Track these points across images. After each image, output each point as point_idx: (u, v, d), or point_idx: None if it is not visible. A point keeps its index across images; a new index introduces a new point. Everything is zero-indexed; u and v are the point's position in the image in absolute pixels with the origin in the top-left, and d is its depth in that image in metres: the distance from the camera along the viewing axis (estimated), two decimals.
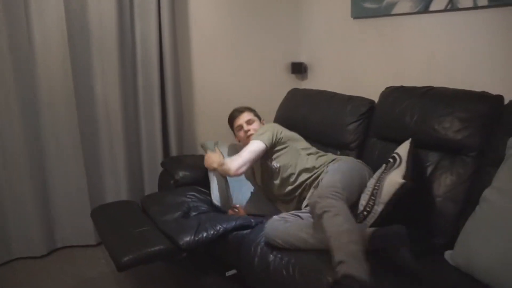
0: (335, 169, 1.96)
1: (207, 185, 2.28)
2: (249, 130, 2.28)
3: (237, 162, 2.07)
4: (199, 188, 2.33)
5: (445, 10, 2.13)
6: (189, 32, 2.81)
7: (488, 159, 1.70)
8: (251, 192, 2.33)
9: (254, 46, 3.02)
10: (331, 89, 2.59)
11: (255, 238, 1.82)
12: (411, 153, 1.71)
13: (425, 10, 2.21)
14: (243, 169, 2.08)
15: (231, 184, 2.28)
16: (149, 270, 2.34)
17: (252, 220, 2.00)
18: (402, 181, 1.60)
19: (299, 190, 2.10)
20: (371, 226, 1.67)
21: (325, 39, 2.93)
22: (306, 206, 2.00)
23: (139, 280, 2.30)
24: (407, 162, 1.67)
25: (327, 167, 2.04)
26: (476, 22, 2.03)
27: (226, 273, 1.97)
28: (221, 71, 2.95)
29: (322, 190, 1.68)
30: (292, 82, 3.15)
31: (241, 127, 2.32)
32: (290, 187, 2.12)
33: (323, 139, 2.38)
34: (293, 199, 2.14)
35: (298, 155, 2.14)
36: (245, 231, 1.93)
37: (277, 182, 2.16)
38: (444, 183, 1.79)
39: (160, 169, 2.63)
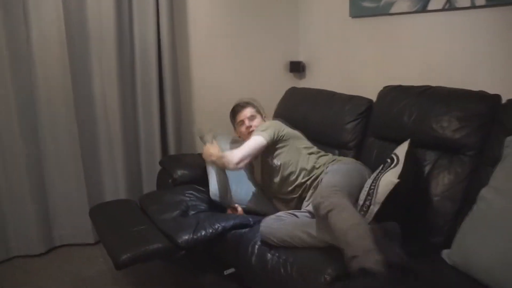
0: (335, 169, 1.96)
1: (205, 184, 2.28)
2: (250, 127, 2.26)
3: (238, 156, 2.05)
4: (198, 186, 2.32)
5: (443, 9, 2.14)
6: (188, 31, 2.81)
7: (486, 158, 1.70)
8: (250, 188, 2.30)
9: (253, 45, 3.02)
10: (329, 88, 2.60)
11: (253, 237, 1.82)
12: (409, 153, 1.72)
13: (423, 9, 2.22)
14: (244, 163, 2.07)
15: (230, 178, 2.26)
16: (147, 269, 2.34)
17: (251, 219, 2.00)
18: (396, 180, 1.60)
19: (300, 191, 2.10)
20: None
21: (324, 38, 2.94)
22: (307, 205, 1.99)
23: (137, 278, 2.30)
24: (405, 162, 1.67)
25: (327, 167, 2.04)
26: (474, 22, 2.04)
27: (225, 271, 1.97)
28: (220, 70, 2.95)
29: (323, 190, 1.68)
30: (290, 81, 3.15)
31: (242, 122, 2.30)
32: (290, 188, 2.12)
33: (321, 138, 2.38)
34: (293, 199, 2.13)
35: (299, 154, 2.13)
36: (243, 230, 1.93)
37: (277, 180, 2.16)
38: (442, 182, 1.80)
39: (159, 167, 2.63)
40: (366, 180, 1.84)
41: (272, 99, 2.82)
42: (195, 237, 1.84)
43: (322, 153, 2.20)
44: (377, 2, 2.45)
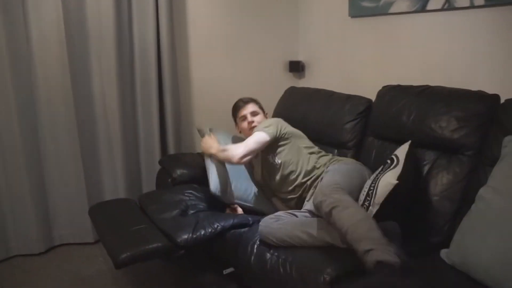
0: (336, 169, 1.96)
1: (205, 183, 2.27)
2: (252, 122, 2.26)
3: (242, 150, 2.05)
4: (197, 186, 2.33)
5: (442, 9, 2.14)
6: (187, 30, 2.81)
7: (484, 158, 1.71)
8: (249, 186, 2.28)
9: (252, 45, 3.02)
10: (329, 87, 2.60)
11: (252, 237, 1.83)
12: (410, 154, 1.72)
13: (422, 9, 2.22)
14: (247, 158, 2.07)
15: (230, 173, 2.23)
16: (146, 268, 2.34)
17: (250, 219, 2.00)
18: (395, 182, 1.59)
19: (300, 191, 2.10)
20: None
21: (323, 37, 2.94)
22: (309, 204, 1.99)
23: (136, 278, 2.31)
24: (404, 163, 1.67)
25: (327, 167, 2.04)
26: (473, 22, 2.04)
27: (224, 271, 1.97)
28: (219, 70, 2.95)
29: (324, 188, 1.67)
30: (290, 81, 3.15)
31: (245, 117, 2.30)
32: (290, 187, 2.12)
33: (320, 138, 2.38)
34: (293, 199, 2.13)
35: (300, 153, 2.13)
36: (242, 230, 1.93)
37: (277, 178, 2.16)
38: (440, 182, 1.80)
39: (158, 167, 2.63)
40: (366, 181, 1.84)
41: (272, 98, 2.82)
42: (194, 236, 1.84)
43: (323, 153, 2.20)
44: (376, 2, 2.45)
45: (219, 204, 2.20)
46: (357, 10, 2.60)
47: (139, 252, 1.73)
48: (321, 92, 2.59)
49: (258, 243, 1.77)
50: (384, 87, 2.24)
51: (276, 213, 1.88)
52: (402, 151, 1.76)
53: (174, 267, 2.39)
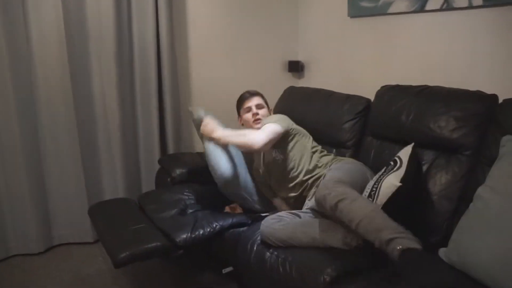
0: (338, 167, 1.97)
1: (204, 183, 2.28)
2: (257, 114, 2.23)
3: (263, 136, 1.98)
4: (196, 185, 2.33)
5: (440, 9, 2.14)
6: (187, 30, 2.81)
7: (483, 158, 1.71)
8: (250, 180, 2.24)
9: (251, 45, 3.02)
10: (328, 87, 2.60)
11: (252, 236, 1.83)
12: (413, 157, 1.71)
13: (421, 9, 2.23)
14: (268, 146, 2.02)
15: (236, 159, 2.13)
16: (146, 268, 2.35)
17: (249, 218, 2.01)
18: (399, 184, 1.59)
19: (300, 190, 2.09)
20: None
21: (322, 37, 2.94)
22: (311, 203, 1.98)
23: (136, 277, 2.31)
24: (408, 166, 1.66)
25: (329, 166, 2.04)
26: (472, 22, 2.05)
27: (223, 270, 1.97)
28: (219, 69, 2.96)
29: (327, 183, 1.66)
30: (289, 80, 3.16)
31: (249, 109, 2.26)
32: (290, 184, 2.11)
33: (319, 137, 2.38)
34: (293, 197, 2.13)
35: (303, 151, 2.12)
36: (241, 229, 1.94)
37: (277, 174, 2.15)
38: (439, 182, 1.80)
39: (157, 166, 2.64)
40: (368, 181, 1.84)
41: (271, 98, 2.81)
42: (193, 236, 1.85)
43: (325, 152, 2.20)
44: (375, 2, 2.46)
45: (218, 203, 2.20)
46: (356, 10, 2.61)
47: (138, 251, 1.74)
48: (320, 92, 2.59)
49: (258, 242, 1.77)
50: (383, 87, 2.24)
51: (278, 213, 1.86)
52: (405, 153, 1.75)
53: (173, 266, 2.39)
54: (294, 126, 2.18)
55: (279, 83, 3.04)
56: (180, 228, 1.88)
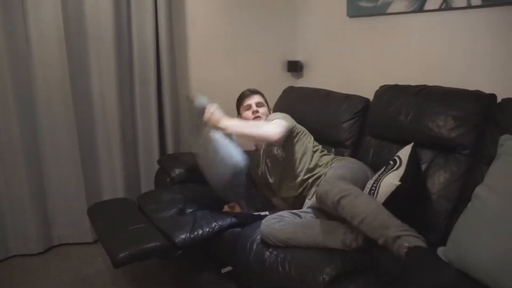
0: (339, 165, 1.98)
1: (203, 182, 2.28)
2: (257, 112, 2.24)
3: (280, 129, 1.95)
4: (195, 185, 2.33)
5: (439, 9, 2.15)
6: (186, 30, 2.82)
7: (481, 157, 1.72)
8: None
9: (251, 45, 3.03)
10: (327, 87, 2.61)
11: (251, 235, 1.83)
12: (412, 156, 1.72)
13: (420, 9, 2.23)
14: (282, 140, 2.01)
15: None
16: (145, 268, 2.35)
17: (248, 218, 2.01)
18: (398, 183, 1.59)
19: (300, 189, 2.09)
20: None
21: (321, 37, 2.95)
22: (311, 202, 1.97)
23: (135, 277, 2.31)
24: (407, 165, 1.67)
25: (331, 164, 2.04)
26: (471, 22, 2.05)
27: (222, 269, 1.97)
28: (218, 69, 2.96)
29: (329, 180, 1.66)
30: (288, 80, 3.16)
31: (250, 106, 2.27)
32: (290, 183, 2.10)
33: (318, 137, 2.39)
34: (292, 196, 2.12)
35: (305, 150, 2.12)
36: (240, 228, 1.93)
37: (277, 172, 2.15)
38: (438, 181, 1.81)
39: (157, 166, 2.64)
40: (368, 179, 1.85)
41: (270, 98, 2.81)
42: (191, 236, 1.84)
43: (326, 152, 2.20)
44: (374, 2, 2.46)
45: (217, 203, 2.20)
46: (355, 10, 2.61)
47: (137, 251, 1.74)
48: (319, 91, 2.60)
49: (257, 241, 1.77)
50: (381, 86, 2.24)
51: (279, 213, 1.85)
52: (404, 153, 1.76)
53: (172, 266, 2.39)
54: (298, 125, 2.19)
55: (278, 83, 3.04)
56: (179, 228, 1.88)
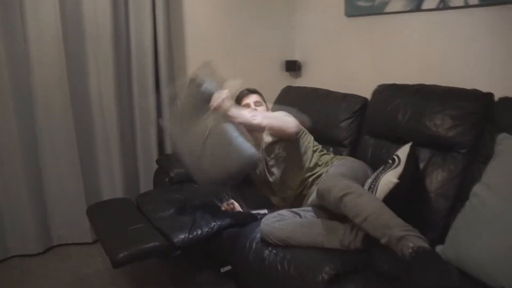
0: (340, 164, 1.98)
1: None
2: (255, 110, 2.22)
3: (295, 122, 1.98)
4: (194, 185, 2.33)
5: (437, 8, 2.15)
6: (184, 30, 2.82)
7: (478, 156, 1.72)
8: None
9: (249, 44, 3.03)
10: (325, 87, 2.61)
11: (251, 234, 1.82)
12: (411, 155, 1.72)
13: (417, 8, 2.24)
14: (297, 134, 2.04)
15: None
16: (144, 268, 2.35)
17: (248, 218, 2.01)
18: (396, 181, 1.60)
19: (300, 189, 2.09)
20: None
21: (319, 37, 2.95)
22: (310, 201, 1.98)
23: (134, 277, 2.31)
24: (406, 163, 1.67)
25: (331, 163, 2.04)
26: (469, 21, 2.06)
27: (221, 269, 1.97)
28: (216, 69, 2.95)
29: (331, 176, 1.66)
30: (286, 80, 3.16)
31: (248, 105, 2.26)
32: (290, 182, 2.10)
33: (316, 136, 2.39)
34: (292, 196, 2.12)
35: (305, 149, 2.12)
36: (240, 228, 1.94)
37: (278, 170, 2.14)
38: (435, 180, 1.81)
39: (155, 166, 2.64)
40: (368, 177, 1.85)
41: (268, 98, 2.81)
42: (190, 236, 1.85)
43: (325, 151, 2.21)
44: (371, 1, 2.47)
45: (217, 202, 2.21)
46: (353, 10, 2.62)
47: (136, 251, 1.74)
48: (317, 91, 2.60)
49: (257, 240, 1.77)
50: (379, 86, 2.25)
51: (279, 212, 1.84)
52: (403, 152, 1.76)
53: (171, 266, 2.39)
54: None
55: (276, 82, 3.04)
56: (178, 228, 1.88)
